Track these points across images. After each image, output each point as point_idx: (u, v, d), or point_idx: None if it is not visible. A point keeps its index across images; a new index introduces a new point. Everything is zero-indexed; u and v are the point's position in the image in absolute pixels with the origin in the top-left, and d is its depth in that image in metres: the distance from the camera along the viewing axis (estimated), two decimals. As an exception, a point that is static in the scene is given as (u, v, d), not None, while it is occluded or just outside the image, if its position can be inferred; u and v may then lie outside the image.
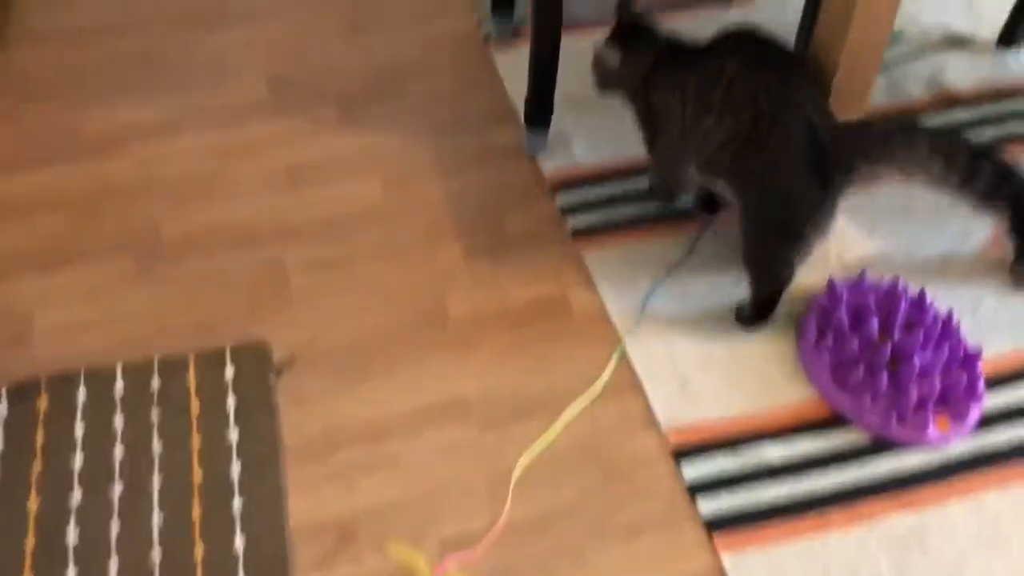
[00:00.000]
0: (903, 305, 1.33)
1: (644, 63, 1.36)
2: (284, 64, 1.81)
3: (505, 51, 1.81)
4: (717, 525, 1.19)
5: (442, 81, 1.78)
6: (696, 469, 1.24)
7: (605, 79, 1.42)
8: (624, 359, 1.36)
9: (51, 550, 1.16)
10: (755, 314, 1.39)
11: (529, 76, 1.55)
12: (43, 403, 1.29)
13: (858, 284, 1.39)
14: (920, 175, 1.25)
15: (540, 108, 1.57)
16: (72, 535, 1.17)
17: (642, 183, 1.57)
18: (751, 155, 1.26)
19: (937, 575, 1.15)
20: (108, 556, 1.16)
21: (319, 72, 1.79)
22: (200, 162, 1.63)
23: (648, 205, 1.54)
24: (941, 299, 1.39)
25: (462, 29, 1.88)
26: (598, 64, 1.42)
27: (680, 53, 1.35)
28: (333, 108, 1.72)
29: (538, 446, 1.26)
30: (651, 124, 1.41)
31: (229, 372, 1.32)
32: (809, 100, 1.25)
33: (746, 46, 1.29)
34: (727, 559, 1.17)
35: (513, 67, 1.77)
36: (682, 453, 1.25)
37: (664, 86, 1.34)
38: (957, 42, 1.80)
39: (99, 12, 1.92)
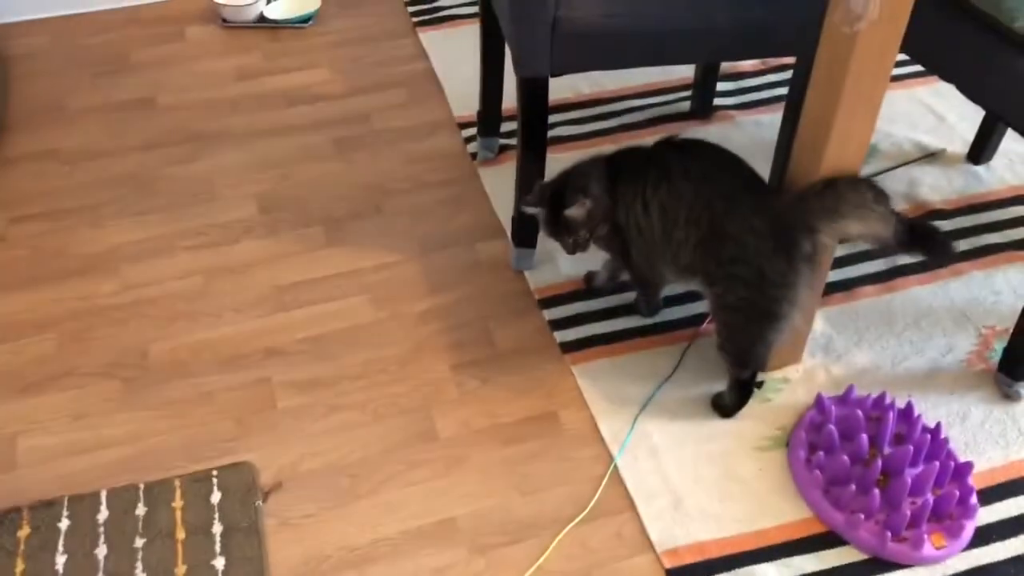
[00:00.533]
0: (891, 418, 1.34)
1: (605, 189, 1.37)
2: (273, 184, 1.84)
3: (491, 168, 1.85)
4: (715, 651, 1.17)
5: (429, 198, 1.81)
6: (691, 592, 1.22)
7: (577, 226, 1.39)
8: (616, 477, 1.35)
9: None
10: (737, 400, 1.40)
11: (516, 197, 1.58)
12: (24, 532, 1.26)
13: (846, 399, 1.39)
14: (872, 222, 1.25)
15: (527, 227, 1.59)
16: (49, 674, 1.14)
17: (628, 297, 1.58)
18: (716, 247, 1.30)
19: None
20: None
21: (307, 191, 1.82)
22: (188, 282, 1.64)
23: (635, 318, 1.56)
24: (928, 411, 1.39)
25: (448, 147, 1.92)
26: (562, 226, 1.39)
27: (628, 168, 1.37)
28: (321, 226, 1.74)
29: (530, 571, 1.24)
30: (620, 241, 1.42)
31: (216, 497, 1.30)
32: (757, 187, 1.32)
33: (691, 155, 1.34)
34: None
35: (499, 183, 1.81)
36: None
37: (627, 202, 1.36)
38: (929, 156, 1.86)
39: (91, 136, 1.96)
